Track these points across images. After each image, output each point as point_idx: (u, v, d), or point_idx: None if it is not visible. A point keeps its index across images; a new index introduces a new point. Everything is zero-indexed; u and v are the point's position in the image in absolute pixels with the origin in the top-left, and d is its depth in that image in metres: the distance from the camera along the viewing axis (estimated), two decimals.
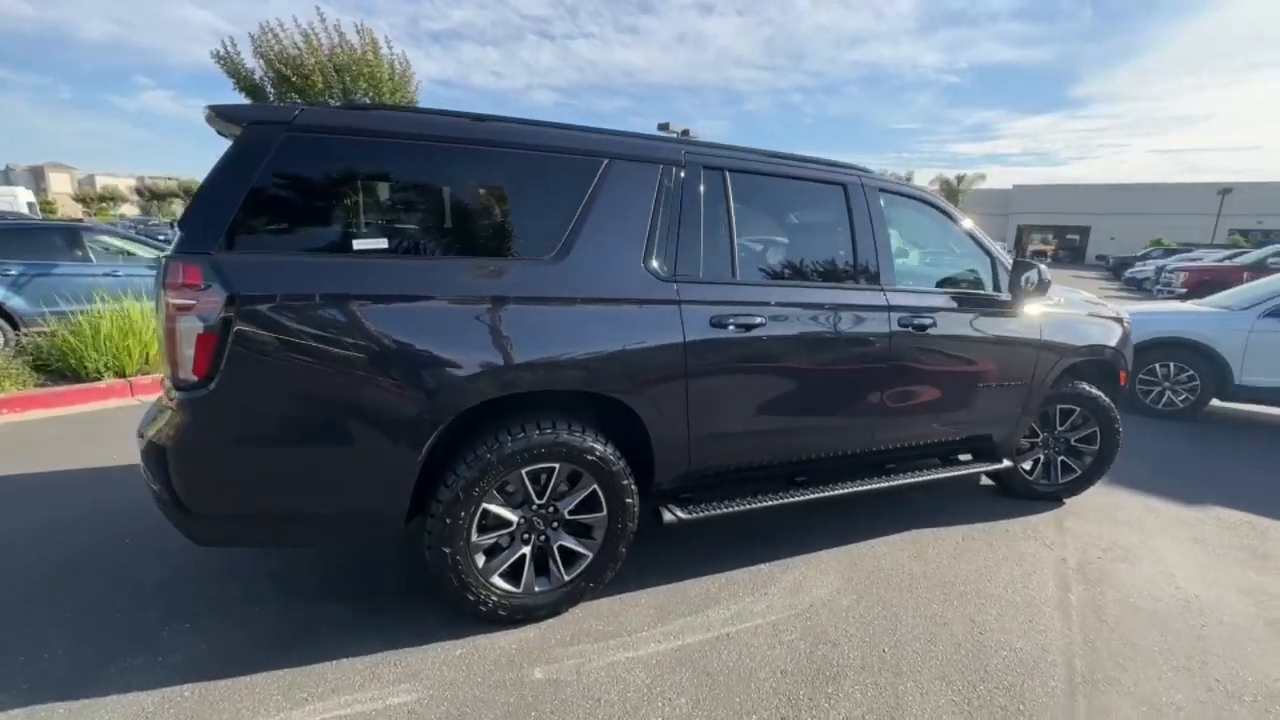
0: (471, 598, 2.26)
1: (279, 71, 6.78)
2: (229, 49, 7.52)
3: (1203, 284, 14.73)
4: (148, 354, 5.44)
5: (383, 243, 2.03)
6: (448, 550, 2.18)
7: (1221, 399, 5.98)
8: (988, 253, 3.36)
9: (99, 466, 3.75)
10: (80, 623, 2.29)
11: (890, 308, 2.90)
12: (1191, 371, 5.98)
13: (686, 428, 2.49)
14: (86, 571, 2.62)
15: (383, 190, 2.11)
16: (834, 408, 2.87)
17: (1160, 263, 21.59)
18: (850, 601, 2.68)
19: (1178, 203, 42.89)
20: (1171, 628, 2.61)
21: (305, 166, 1.97)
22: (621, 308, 2.32)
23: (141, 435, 2.08)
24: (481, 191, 2.25)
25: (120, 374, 5.27)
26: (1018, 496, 3.86)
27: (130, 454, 3.91)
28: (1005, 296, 3.30)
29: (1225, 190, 34.03)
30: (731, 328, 2.49)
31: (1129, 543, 3.37)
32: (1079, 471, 3.82)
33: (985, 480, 4.00)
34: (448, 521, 2.15)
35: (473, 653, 2.23)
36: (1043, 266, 3.20)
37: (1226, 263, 16.49)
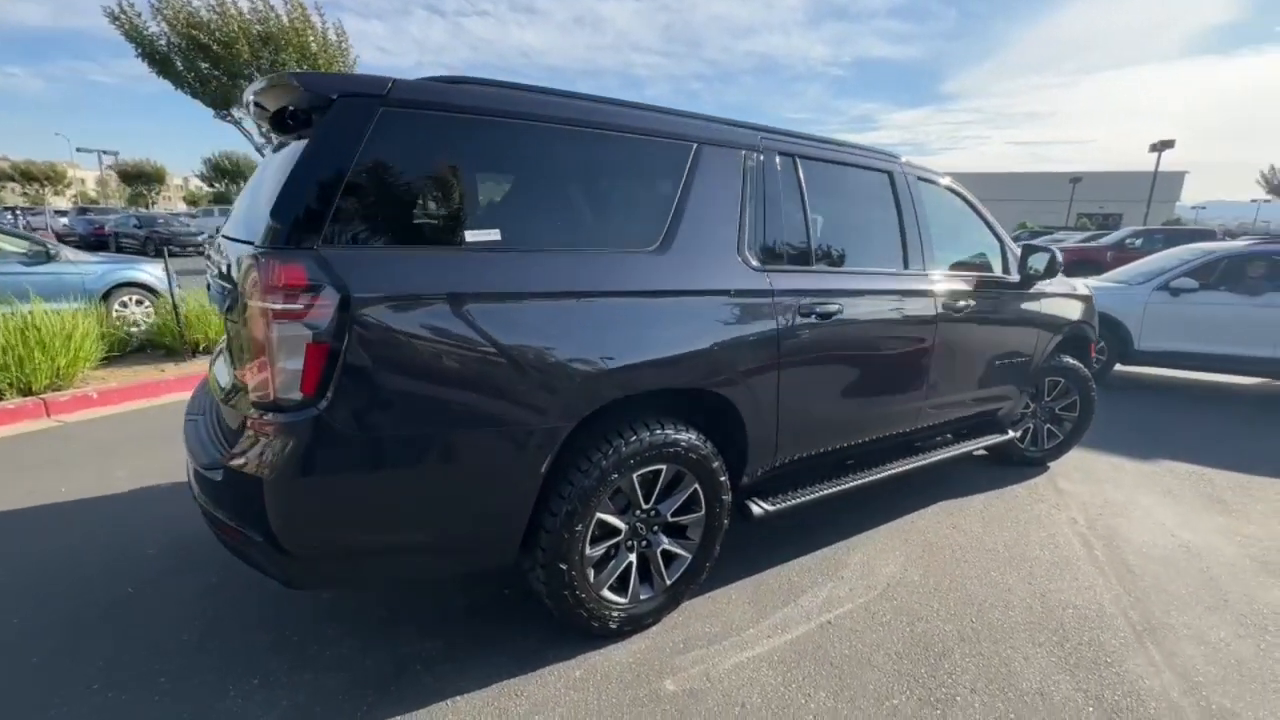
0: (585, 614, 2.12)
1: (192, 38, 5.88)
2: (126, 9, 6.43)
3: (1074, 263, 16.69)
4: (58, 368, 4.63)
5: (495, 234, 1.82)
6: (564, 567, 2.02)
7: (1124, 364, 6.77)
8: (998, 237, 3.57)
9: (45, 504, 3.15)
10: (124, 702, 1.90)
11: (935, 292, 3.01)
12: (1098, 339, 6.72)
13: (776, 419, 2.46)
14: (100, 636, 2.18)
15: (489, 175, 1.88)
16: (890, 391, 2.95)
17: (1032, 243, 24.11)
18: (920, 577, 2.78)
19: (1037, 190, 48.09)
20: (1186, 572, 2.93)
21: (403, 147, 1.72)
22: (724, 299, 2.23)
23: (208, 468, 1.75)
24: (589, 178, 2.07)
25: (26, 391, 4.45)
26: (1009, 463, 4.17)
27: (78, 487, 3.32)
28: (1015, 278, 3.53)
29: (1076, 179, 38.54)
30: (814, 316, 2.48)
31: (1117, 499, 3.74)
32: (1061, 437, 4.19)
33: (978, 450, 4.29)
34: (565, 536, 1.99)
35: (592, 672, 2.09)
36: (1056, 250, 3.46)
37: (1092, 243, 18.69)
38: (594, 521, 2.07)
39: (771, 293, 2.35)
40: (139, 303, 7.71)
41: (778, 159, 2.51)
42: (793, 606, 2.51)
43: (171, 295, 5.62)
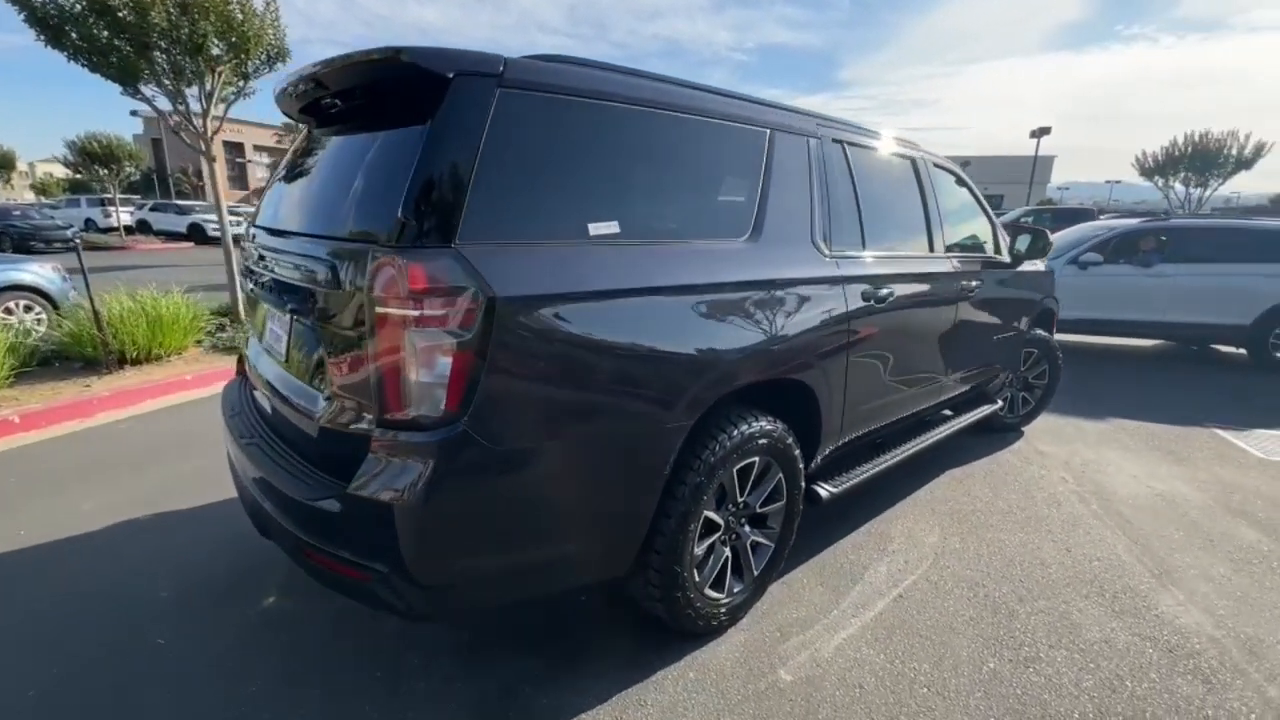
0: (693, 614, 2.07)
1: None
2: None
3: None
4: None
5: (614, 226, 1.70)
6: (678, 569, 1.96)
7: None
8: (990, 220, 3.79)
9: (9, 551, 2.67)
10: None
11: (956, 274, 3.16)
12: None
13: (843, 403, 2.50)
14: (150, 697, 1.88)
15: (601, 163, 1.75)
16: (924, 369, 3.08)
17: (1022, 225, 25.97)
18: (960, 544, 2.94)
19: None
20: (1171, 518, 3.28)
21: (521, 132, 1.57)
22: (806, 287, 2.23)
23: (314, 498, 1.54)
24: (688, 165, 1.98)
25: None
26: (990, 431, 4.48)
27: (41, 528, 2.79)
28: (1007, 259, 3.77)
29: (965, 163, 41.72)
30: (874, 300, 2.53)
31: (1091, 457, 4.12)
32: (1033, 404, 4.56)
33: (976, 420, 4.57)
34: (679, 538, 1.93)
35: (705, 672, 2.06)
36: (1045, 231, 3.71)
37: None
38: (701, 520, 2.02)
39: (842, 279, 2.38)
40: (28, 309, 6.72)
41: (831, 145, 2.53)
42: (863, 585, 2.59)
43: (90, 298, 4.90)
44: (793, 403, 2.34)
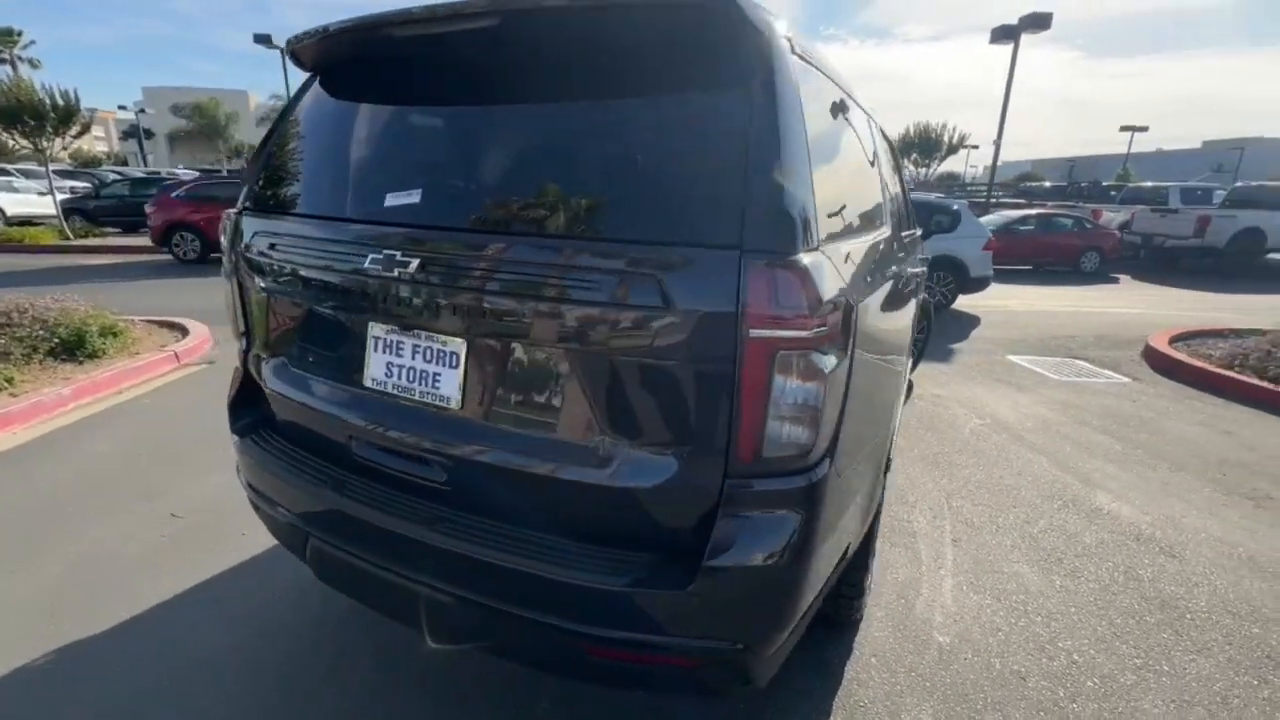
0: (857, 602, 2.08)
1: None
2: None
3: None
4: None
5: (856, 218, 1.57)
6: (870, 559, 1.95)
7: (964, 293, 8.07)
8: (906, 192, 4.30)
9: None
10: None
11: (915, 246, 3.54)
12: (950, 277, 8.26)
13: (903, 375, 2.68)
14: None
15: (842, 149, 1.57)
16: (909, 331, 3.42)
17: (933, 201, 28.47)
18: (951, 484, 3.40)
19: None
20: (1054, 435, 4.17)
21: (809, 111, 1.32)
22: (914, 272, 2.32)
23: (634, 584, 1.17)
24: (857, 149, 1.88)
25: None
26: None
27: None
28: (919, 231, 4.33)
29: None
30: (912, 281, 2.73)
31: (969, 395, 5.01)
32: (917, 354, 5.37)
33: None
34: (875, 527, 1.93)
35: (883, 657, 2.09)
36: (958, 210, 4.32)
37: None
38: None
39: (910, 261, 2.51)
40: None
41: (875, 122, 2.61)
42: (923, 540, 2.83)
43: None
44: None
